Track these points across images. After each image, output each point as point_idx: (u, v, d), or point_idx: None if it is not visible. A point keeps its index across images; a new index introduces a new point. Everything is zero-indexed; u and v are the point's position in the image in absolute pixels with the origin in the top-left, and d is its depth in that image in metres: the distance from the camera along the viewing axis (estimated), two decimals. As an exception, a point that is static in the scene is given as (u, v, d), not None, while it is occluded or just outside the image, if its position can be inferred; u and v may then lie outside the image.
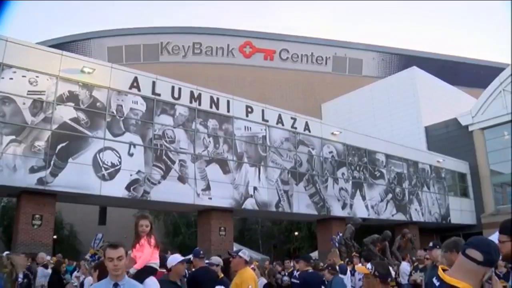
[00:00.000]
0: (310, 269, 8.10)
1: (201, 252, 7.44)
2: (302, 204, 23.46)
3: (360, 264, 10.63)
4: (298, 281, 7.71)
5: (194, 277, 7.33)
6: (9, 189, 17.24)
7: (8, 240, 28.35)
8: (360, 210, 26.03)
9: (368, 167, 27.90)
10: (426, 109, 39.00)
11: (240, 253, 6.75)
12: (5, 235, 34.48)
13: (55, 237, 20.06)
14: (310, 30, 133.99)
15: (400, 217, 28.68)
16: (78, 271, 12.48)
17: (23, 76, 16.58)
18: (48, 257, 14.17)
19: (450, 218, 32.80)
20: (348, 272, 9.42)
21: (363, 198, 26.89)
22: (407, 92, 39.91)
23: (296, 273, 8.14)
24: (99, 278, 4.44)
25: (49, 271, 13.32)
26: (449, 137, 36.82)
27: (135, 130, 18.75)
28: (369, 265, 3.83)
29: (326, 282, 8.32)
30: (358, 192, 26.68)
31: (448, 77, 46.60)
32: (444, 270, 2.43)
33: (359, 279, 9.23)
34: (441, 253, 4.70)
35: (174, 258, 6.10)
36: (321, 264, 11.05)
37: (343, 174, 26.16)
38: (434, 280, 2.45)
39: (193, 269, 8.33)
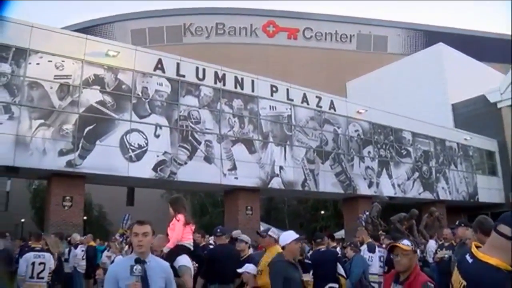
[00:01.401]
0: (322, 248, 8.07)
1: (218, 230, 7.47)
2: (328, 183, 23.42)
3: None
4: (309, 261, 7.67)
5: (211, 254, 7.38)
6: (39, 172, 17.64)
7: (40, 221, 29.00)
8: (387, 189, 25.87)
9: (394, 145, 27.64)
10: (453, 86, 38.23)
11: (269, 232, 6.76)
12: (37, 217, 35.31)
13: (85, 218, 20.42)
14: (333, 7, 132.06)
15: (427, 195, 28.42)
16: (108, 251, 12.67)
17: (49, 61, 16.81)
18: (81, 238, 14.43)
19: (478, 197, 32.36)
20: (364, 250, 9.33)
21: (390, 176, 26.69)
22: (434, 69, 39.19)
23: (308, 254, 8.10)
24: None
25: (78, 251, 13.55)
26: (477, 114, 36.10)
27: (160, 112, 18.87)
28: (407, 242, 3.78)
29: (347, 260, 8.29)
30: (384, 170, 26.49)
31: (476, 52, 45.58)
32: (477, 247, 2.40)
33: (380, 257, 9.13)
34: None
35: (288, 236, 5.56)
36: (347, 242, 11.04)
37: (369, 152, 25.99)
38: (467, 257, 2.42)
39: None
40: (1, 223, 28.34)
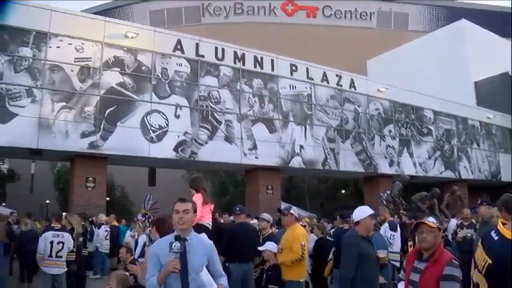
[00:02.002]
0: (346, 226, 8.03)
1: (237, 208, 7.47)
2: (348, 161, 23.32)
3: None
4: (332, 239, 7.64)
5: (232, 231, 7.40)
6: (62, 154, 17.87)
7: (64, 202, 29.46)
8: (408, 168, 25.66)
9: (416, 124, 27.35)
10: (476, 63, 37.48)
11: (291, 211, 6.74)
12: (61, 198, 35.89)
13: (107, 199, 20.66)
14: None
15: (448, 174, 28.15)
16: (131, 231, 12.82)
17: (69, 44, 16.93)
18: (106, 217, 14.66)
19: (500, 176, 31.90)
20: (386, 228, 9.25)
21: (411, 155, 26.47)
22: (456, 46, 38.47)
23: (330, 231, 8.05)
24: (159, 233, 4.50)
25: (101, 231, 13.72)
26: (500, 92, 35.37)
27: (180, 92, 18.90)
28: (432, 219, 3.72)
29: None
30: (405, 149, 26.27)
31: (499, 29, 44.51)
32: (503, 224, 2.35)
33: (391, 235, 9.03)
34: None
35: (363, 212, 5.36)
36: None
37: (390, 131, 25.76)
38: (493, 234, 2.37)
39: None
40: (26, 205, 28.83)
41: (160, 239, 3.94)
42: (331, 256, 7.49)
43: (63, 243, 8.56)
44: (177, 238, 3.60)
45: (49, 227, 8.82)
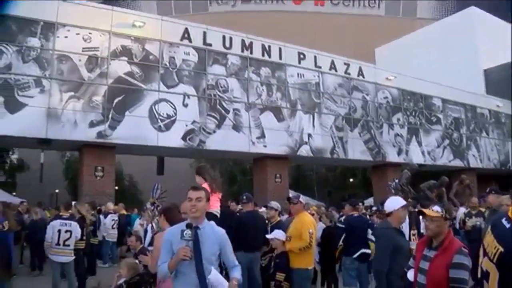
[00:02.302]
0: (356, 213, 8.03)
1: (244, 197, 7.46)
2: (357, 150, 23.26)
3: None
4: (343, 226, 7.64)
5: (239, 220, 7.40)
6: (71, 144, 17.97)
7: (74, 191, 29.64)
8: (416, 156, 25.54)
9: (424, 112, 27.20)
10: (485, 51, 37.14)
11: (300, 199, 6.74)
12: (70, 187, 36.15)
13: (116, 187, 20.76)
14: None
15: (457, 163, 28.00)
16: (141, 219, 12.88)
17: (77, 34, 16.94)
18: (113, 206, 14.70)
19: (509, 165, 31.67)
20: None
21: (419, 144, 26.35)
22: (465, 34, 38.10)
23: (341, 218, 8.05)
24: (168, 222, 4.52)
25: (108, 220, 13.75)
26: (510, 80, 34.97)
27: (188, 81, 18.88)
28: (438, 208, 3.68)
29: (375, 226, 8.22)
30: (414, 138, 26.15)
31: (509, 16, 44.01)
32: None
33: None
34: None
35: (396, 202, 5.23)
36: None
37: (398, 119, 25.64)
38: (504, 221, 2.34)
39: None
40: (36, 194, 29.08)
41: (173, 226, 3.93)
42: (341, 242, 7.50)
43: (70, 231, 8.63)
44: (188, 226, 3.60)
45: (57, 215, 8.87)
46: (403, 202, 5.26)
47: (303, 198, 6.76)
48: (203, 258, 3.63)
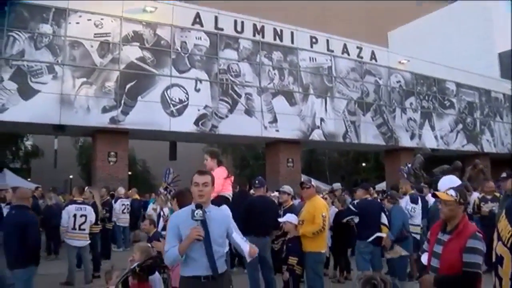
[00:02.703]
0: (369, 197, 8.00)
1: (256, 181, 7.44)
2: (369, 134, 23.15)
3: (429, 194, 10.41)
4: (356, 210, 7.60)
5: (250, 205, 7.39)
6: (84, 129, 18.11)
7: (87, 177, 29.85)
8: (429, 141, 25.32)
9: (438, 96, 26.93)
10: (500, 34, 36.56)
11: (312, 182, 6.72)
12: (84, 173, 36.43)
13: (129, 173, 20.87)
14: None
15: (470, 148, 27.75)
16: (154, 203, 12.94)
17: (88, 20, 16.99)
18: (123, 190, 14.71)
19: (524, 150, 31.35)
20: (407, 201, 9.17)
21: (432, 128, 26.14)
22: (480, 17, 37.59)
23: (354, 202, 8.01)
24: (180, 206, 4.51)
25: (117, 205, 13.76)
26: (525, 63, 34.51)
27: (200, 66, 18.86)
28: (452, 192, 3.62)
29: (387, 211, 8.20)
30: (427, 122, 25.94)
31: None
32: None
33: (412, 208, 8.95)
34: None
35: (450, 182, 4.82)
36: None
37: (411, 104, 25.43)
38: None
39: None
40: (51, 180, 29.34)
41: (179, 210, 3.92)
42: (345, 220, 7.46)
43: (85, 216, 8.71)
44: (198, 206, 3.58)
45: (72, 200, 8.94)
46: (458, 182, 4.96)
47: (314, 182, 6.73)
48: (212, 240, 3.60)
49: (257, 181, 7.46)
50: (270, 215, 7.10)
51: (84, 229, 8.71)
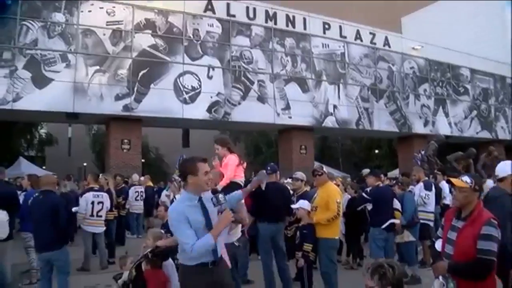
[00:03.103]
0: (381, 184, 7.96)
1: (268, 168, 7.42)
2: (382, 121, 23.04)
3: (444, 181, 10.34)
4: (369, 197, 7.57)
5: (262, 191, 7.38)
6: (98, 117, 18.23)
7: (101, 164, 30.06)
8: (443, 127, 25.13)
9: (452, 82, 26.67)
10: (516, 19, 35.96)
11: (324, 169, 6.69)
12: (98, 161, 36.67)
13: (143, 160, 20.97)
14: None
15: (485, 134, 27.51)
16: (167, 190, 12.97)
17: (100, 8, 17.04)
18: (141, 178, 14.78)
19: (539, 137, 30.96)
20: (421, 188, 9.12)
21: (446, 115, 25.94)
22: (495, 2, 36.96)
23: (367, 189, 7.96)
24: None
25: (130, 193, 13.78)
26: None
27: (212, 53, 18.84)
28: (467, 179, 3.58)
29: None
30: (440, 108, 25.74)
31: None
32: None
33: (425, 195, 8.89)
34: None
35: (508, 167, 4.73)
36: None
37: (425, 90, 25.23)
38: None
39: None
40: (65, 168, 29.56)
41: (178, 203, 3.81)
42: (359, 209, 7.46)
43: (102, 203, 8.81)
44: (214, 192, 3.59)
45: (89, 188, 9.02)
46: None
47: (326, 168, 6.70)
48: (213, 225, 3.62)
49: (269, 167, 7.43)
50: (283, 201, 7.09)
51: (101, 216, 8.88)
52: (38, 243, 6.11)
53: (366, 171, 12.13)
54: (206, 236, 3.50)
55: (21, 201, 7.80)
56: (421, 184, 9.11)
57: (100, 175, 10.37)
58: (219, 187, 5.50)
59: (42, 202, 6.16)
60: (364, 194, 7.80)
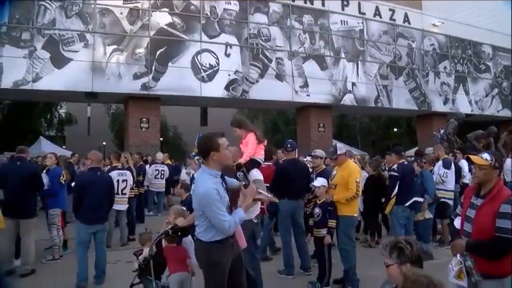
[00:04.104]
0: (405, 161, 7.94)
1: (288, 145, 7.44)
2: (401, 99, 22.82)
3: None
4: (397, 174, 7.54)
5: (282, 168, 7.40)
6: (116, 96, 18.37)
7: (120, 143, 30.34)
8: (463, 106, 24.79)
9: (473, 60, 26.21)
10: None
11: (338, 151, 6.63)
12: (116, 139, 37.03)
13: (161, 139, 21.13)
14: None
15: (506, 113, 27.01)
16: (186, 168, 13.05)
17: (117, -13, 17.02)
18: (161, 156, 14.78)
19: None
20: (440, 166, 9.07)
21: (467, 93, 25.55)
22: (517, -25, 36.06)
23: (394, 166, 7.93)
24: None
25: (150, 170, 13.85)
26: None
27: (230, 31, 18.78)
28: (487, 156, 3.56)
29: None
30: (461, 86, 25.36)
31: None
32: None
33: (444, 173, 8.83)
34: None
35: None
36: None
37: (445, 67, 24.88)
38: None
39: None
40: (85, 147, 29.81)
41: (208, 182, 3.80)
42: (396, 191, 7.44)
43: (126, 180, 8.94)
44: (238, 167, 3.63)
45: (113, 167, 9.11)
46: None
47: (340, 147, 6.63)
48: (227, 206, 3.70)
49: (288, 145, 7.45)
50: (302, 178, 7.12)
51: (125, 194, 9.01)
52: (95, 217, 6.42)
53: (399, 148, 11.98)
54: (239, 210, 3.66)
55: (47, 180, 7.93)
56: (440, 162, 9.06)
57: (121, 152, 10.49)
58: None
59: (102, 180, 6.66)
60: (392, 172, 7.76)
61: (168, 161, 15.79)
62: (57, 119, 37.14)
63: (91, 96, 17.12)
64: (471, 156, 3.67)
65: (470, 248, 3.39)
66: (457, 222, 3.75)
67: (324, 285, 6.19)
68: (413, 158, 10.55)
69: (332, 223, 6.14)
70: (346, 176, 6.21)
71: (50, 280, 6.74)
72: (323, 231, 6.16)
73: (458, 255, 3.43)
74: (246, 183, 3.59)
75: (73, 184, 7.56)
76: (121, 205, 8.98)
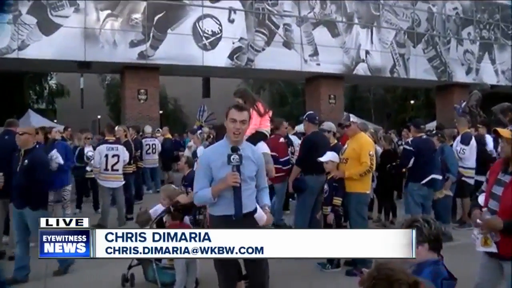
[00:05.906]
0: (424, 136, 7.88)
1: (316, 117, 7.43)
2: (419, 68, 22.66)
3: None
4: (411, 148, 7.49)
5: (311, 141, 7.36)
6: (111, 66, 18.29)
7: (116, 117, 30.34)
8: (488, 76, 24.47)
9: (501, 25, 25.81)
10: None
11: (351, 119, 6.63)
12: (113, 113, 36.96)
13: (161, 111, 21.14)
14: None
15: (536, 85, 26.86)
16: (189, 142, 13.04)
17: None
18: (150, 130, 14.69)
19: None
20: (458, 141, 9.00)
21: (493, 62, 25.27)
22: None
23: (409, 140, 7.89)
24: (217, 140, 4.59)
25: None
26: None
27: (234, -6, 18.64)
28: (514, 129, 3.53)
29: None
30: (486, 54, 25.08)
31: None
32: None
33: (461, 149, 8.75)
34: None
35: None
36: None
37: (469, 34, 24.59)
38: None
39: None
40: (78, 121, 29.93)
41: (210, 148, 3.94)
42: (411, 163, 7.40)
43: (118, 156, 8.83)
44: (234, 150, 3.60)
45: (103, 140, 9.10)
46: None
47: (354, 118, 6.62)
48: (246, 178, 3.70)
49: (316, 117, 7.47)
50: (326, 151, 7.11)
51: (117, 170, 8.87)
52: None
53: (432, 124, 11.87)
54: (206, 190, 3.71)
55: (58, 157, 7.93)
56: (458, 137, 8.99)
57: (117, 126, 10.47)
58: (244, 136, 5.53)
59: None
60: (406, 146, 7.72)
61: (168, 135, 15.76)
62: (48, 91, 37.07)
63: (83, 66, 17.08)
64: (498, 129, 3.62)
65: (507, 229, 3.32)
66: (481, 199, 3.73)
67: (334, 266, 6.19)
68: (434, 132, 10.47)
69: (337, 200, 6.13)
70: (358, 149, 6.15)
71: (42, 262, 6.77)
72: (330, 209, 6.17)
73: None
74: (235, 170, 3.56)
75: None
76: (113, 182, 8.91)
